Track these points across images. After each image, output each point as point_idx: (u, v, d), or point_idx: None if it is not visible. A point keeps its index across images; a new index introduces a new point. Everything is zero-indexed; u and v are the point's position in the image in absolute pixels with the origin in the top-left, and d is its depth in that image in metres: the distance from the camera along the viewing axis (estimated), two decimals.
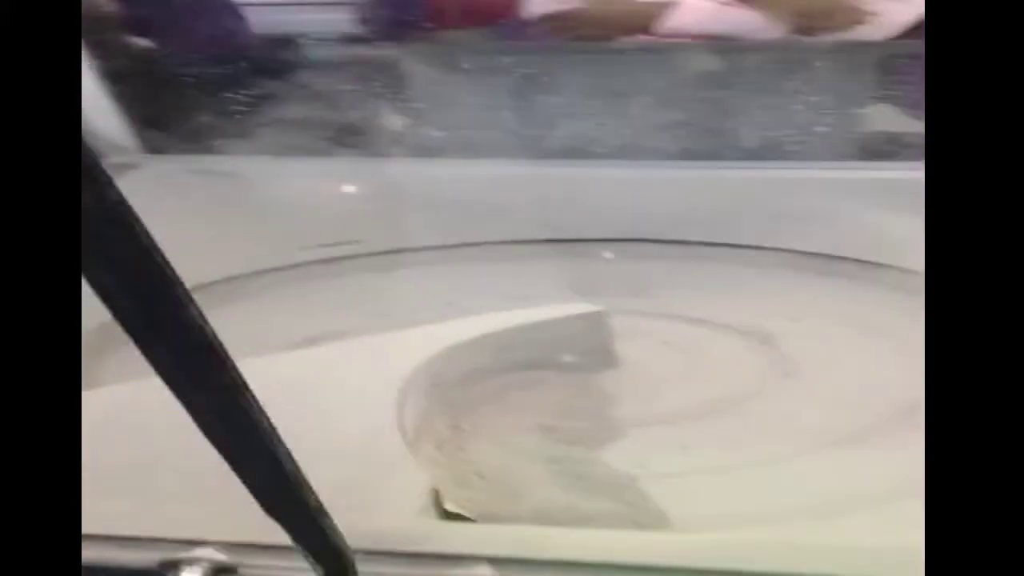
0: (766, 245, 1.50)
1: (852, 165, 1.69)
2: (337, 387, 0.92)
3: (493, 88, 1.75)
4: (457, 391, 1.03)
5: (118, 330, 0.43)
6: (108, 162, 1.53)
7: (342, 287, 1.43)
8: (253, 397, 0.50)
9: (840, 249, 1.46)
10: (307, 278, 1.45)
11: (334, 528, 0.58)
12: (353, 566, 0.60)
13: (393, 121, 1.71)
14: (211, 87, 1.62)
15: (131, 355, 0.45)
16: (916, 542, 0.49)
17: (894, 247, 1.39)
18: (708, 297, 1.38)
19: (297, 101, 1.69)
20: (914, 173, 1.59)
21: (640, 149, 1.78)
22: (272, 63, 1.69)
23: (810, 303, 1.35)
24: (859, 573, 0.65)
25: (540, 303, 1.20)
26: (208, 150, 1.63)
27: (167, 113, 1.64)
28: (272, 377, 0.92)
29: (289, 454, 0.54)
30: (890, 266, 1.39)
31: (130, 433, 0.82)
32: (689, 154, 1.77)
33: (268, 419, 0.52)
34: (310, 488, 0.55)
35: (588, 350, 1.14)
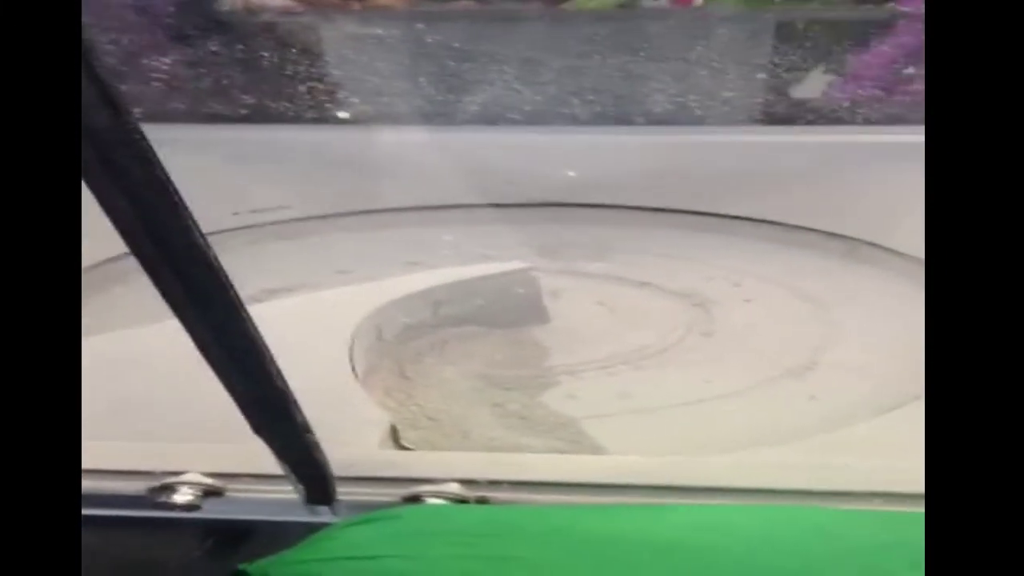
0: (712, 211, 1.60)
1: (769, 130, 1.78)
2: (293, 338, 0.97)
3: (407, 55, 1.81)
4: (400, 343, 1.09)
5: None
6: None
7: (287, 250, 1.50)
8: (249, 317, 0.55)
9: (775, 214, 1.55)
10: (248, 241, 1.50)
11: (317, 446, 0.63)
12: (333, 484, 0.66)
13: (311, 88, 1.75)
14: (127, 55, 1.64)
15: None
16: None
17: (820, 210, 1.51)
18: (657, 261, 1.47)
19: (214, 69, 1.72)
20: (823, 137, 1.71)
21: (554, 115, 1.84)
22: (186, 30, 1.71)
23: (745, 266, 1.45)
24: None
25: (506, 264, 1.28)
26: None
27: None
28: None
29: (280, 372, 0.59)
30: (814, 229, 1.50)
31: (115, 378, 0.87)
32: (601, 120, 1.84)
33: (262, 338, 0.57)
34: (298, 406, 0.61)
35: (519, 306, 1.21)
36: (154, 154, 0.48)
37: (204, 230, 1.41)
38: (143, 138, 0.47)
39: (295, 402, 0.60)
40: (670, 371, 1.15)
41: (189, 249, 0.51)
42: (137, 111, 1.38)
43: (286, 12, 1.79)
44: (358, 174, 1.64)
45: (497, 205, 1.62)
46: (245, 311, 0.55)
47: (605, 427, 0.99)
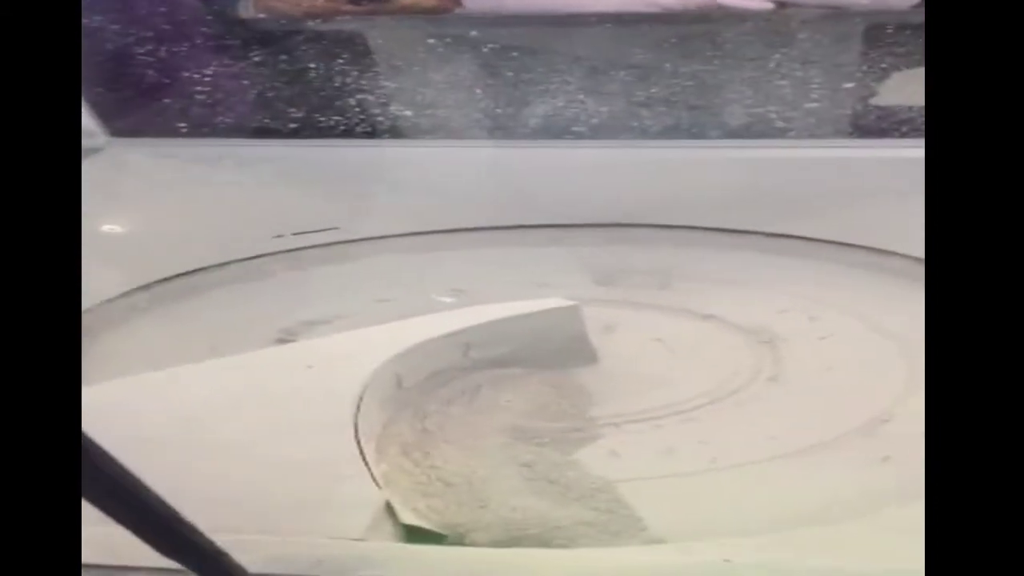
0: (793, 233, 1.48)
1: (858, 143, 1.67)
2: (297, 390, 0.89)
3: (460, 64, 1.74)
4: (425, 391, 1.00)
5: None
6: None
7: (329, 275, 1.42)
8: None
9: (863, 237, 1.43)
10: (291, 266, 1.43)
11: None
12: None
13: (361, 100, 1.68)
14: (169, 66, 1.59)
15: None
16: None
17: (914, 234, 1.37)
18: (727, 289, 1.36)
19: (259, 81, 1.66)
20: (918, 151, 1.59)
21: (621, 128, 1.76)
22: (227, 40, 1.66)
23: (824, 296, 1.33)
24: None
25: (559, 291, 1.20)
26: (173, 133, 1.60)
27: (127, 95, 1.61)
28: (234, 380, 0.92)
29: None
30: (903, 255, 1.38)
31: None
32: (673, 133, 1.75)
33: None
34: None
35: (563, 347, 1.11)
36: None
37: (246, 254, 1.35)
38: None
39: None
40: (728, 424, 1.04)
41: None
42: (183, 126, 1.33)
43: (311, 16, 1.73)
44: (410, 192, 1.57)
45: (556, 226, 1.53)
46: None
47: (647, 493, 0.89)
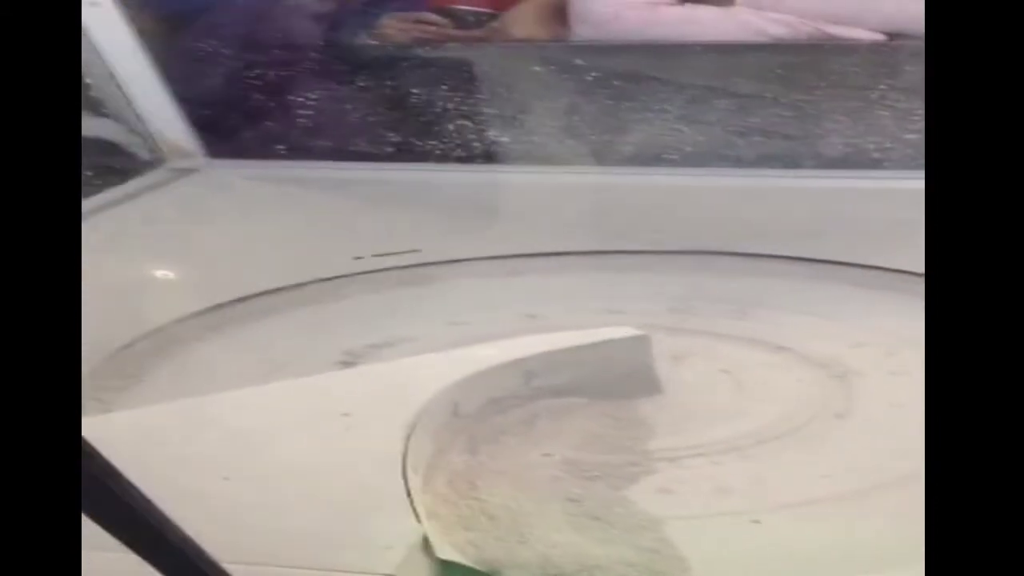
0: (881, 264, 1.44)
1: None
2: (349, 417, 0.89)
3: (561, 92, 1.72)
4: (481, 420, 0.99)
5: None
6: (169, 167, 1.54)
7: (405, 297, 1.41)
8: None
9: None
10: (368, 288, 1.43)
11: None
12: None
13: (460, 126, 1.68)
14: (274, 90, 1.61)
15: None
16: None
17: None
18: (805, 321, 1.32)
19: (361, 105, 1.68)
20: None
21: (716, 156, 1.73)
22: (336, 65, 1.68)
23: (905, 331, 1.26)
24: None
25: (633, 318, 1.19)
26: (271, 155, 1.62)
27: (229, 117, 1.64)
28: (284, 406, 0.92)
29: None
30: None
31: None
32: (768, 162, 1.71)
33: None
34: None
35: (628, 377, 1.09)
36: None
37: (326, 275, 1.36)
38: None
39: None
40: (787, 462, 1.00)
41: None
42: (282, 148, 1.35)
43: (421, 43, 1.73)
44: (498, 216, 1.57)
45: (639, 252, 1.51)
46: None
47: (696, 532, 0.86)
